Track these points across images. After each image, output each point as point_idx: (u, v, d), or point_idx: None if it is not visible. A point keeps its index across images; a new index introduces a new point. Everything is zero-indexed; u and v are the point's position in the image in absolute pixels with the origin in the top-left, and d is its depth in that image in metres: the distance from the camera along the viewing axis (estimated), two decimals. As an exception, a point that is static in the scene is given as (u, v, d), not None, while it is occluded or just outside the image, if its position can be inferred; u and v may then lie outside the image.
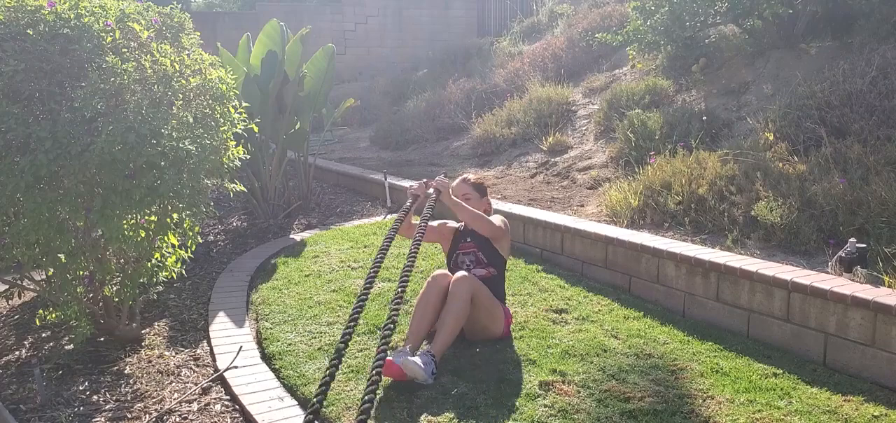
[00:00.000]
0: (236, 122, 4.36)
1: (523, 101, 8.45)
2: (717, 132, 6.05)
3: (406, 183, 6.96)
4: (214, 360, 3.77)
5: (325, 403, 3.08)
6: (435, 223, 3.98)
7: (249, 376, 3.53)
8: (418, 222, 3.22)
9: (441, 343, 3.36)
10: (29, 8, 3.71)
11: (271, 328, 4.00)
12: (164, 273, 4.22)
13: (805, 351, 3.49)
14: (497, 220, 3.85)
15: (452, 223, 4.03)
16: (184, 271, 4.51)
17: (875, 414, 2.91)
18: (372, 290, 4.41)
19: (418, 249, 2.93)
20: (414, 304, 3.61)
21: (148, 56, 3.96)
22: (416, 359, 3.19)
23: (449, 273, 3.65)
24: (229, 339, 4.01)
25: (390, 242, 2.94)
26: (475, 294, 3.50)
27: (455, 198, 3.74)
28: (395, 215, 6.59)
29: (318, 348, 3.68)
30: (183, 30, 4.26)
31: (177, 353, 3.94)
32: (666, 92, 7.23)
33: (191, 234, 4.20)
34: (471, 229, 3.86)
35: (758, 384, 3.17)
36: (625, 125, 6.45)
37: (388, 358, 3.20)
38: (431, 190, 3.67)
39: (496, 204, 4.12)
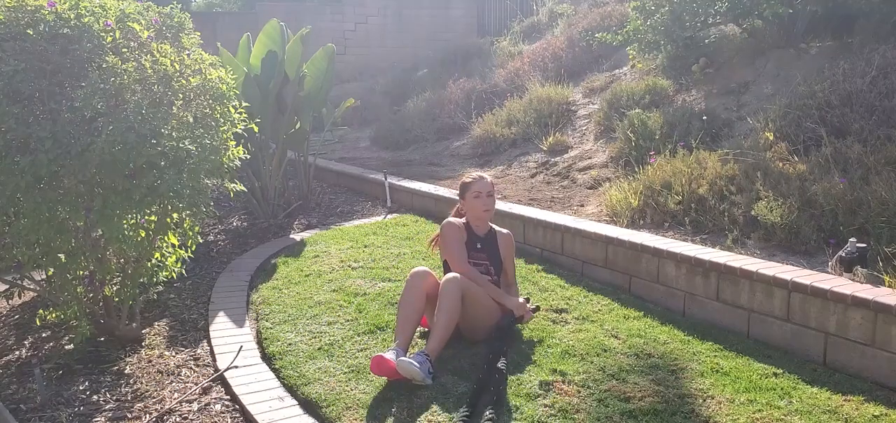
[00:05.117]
0: (236, 122, 4.36)
1: (523, 101, 8.45)
2: (717, 132, 6.05)
3: (406, 183, 6.96)
4: (214, 360, 3.78)
5: (326, 403, 3.10)
6: (455, 221, 3.88)
7: (250, 376, 3.53)
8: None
9: (435, 343, 3.35)
10: (29, 8, 3.71)
11: (271, 328, 4.00)
12: (164, 273, 4.22)
13: (805, 351, 3.49)
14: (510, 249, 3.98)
15: (459, 222, 3.86)
16: (184, 271, 4.51)
17: (875, 414, 2.91)
18: (372, 289, 4.44)
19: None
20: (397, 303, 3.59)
21: (148, 56, 3.96)
22: (411, 358, 3.19)
23: (429, 272, 3.63)
24: (229, 339, 4.01)
25: None
26: (466, 293, 3.49)
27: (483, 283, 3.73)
28: (395, 215, 6.59)
29: (319, 348, 3.68)
30: (183, 30, 4.26)
31: (177, 353, 3.95)
32: (666, 92, 7.23)
33: (191, 234, 4.20)
34: (484, 237, 3.86)
35: (758, 384, 3.17)
36: (625, 125, 6.45)
37: (381, 354, 3.21)
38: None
39: (497, 204, 4.09)
